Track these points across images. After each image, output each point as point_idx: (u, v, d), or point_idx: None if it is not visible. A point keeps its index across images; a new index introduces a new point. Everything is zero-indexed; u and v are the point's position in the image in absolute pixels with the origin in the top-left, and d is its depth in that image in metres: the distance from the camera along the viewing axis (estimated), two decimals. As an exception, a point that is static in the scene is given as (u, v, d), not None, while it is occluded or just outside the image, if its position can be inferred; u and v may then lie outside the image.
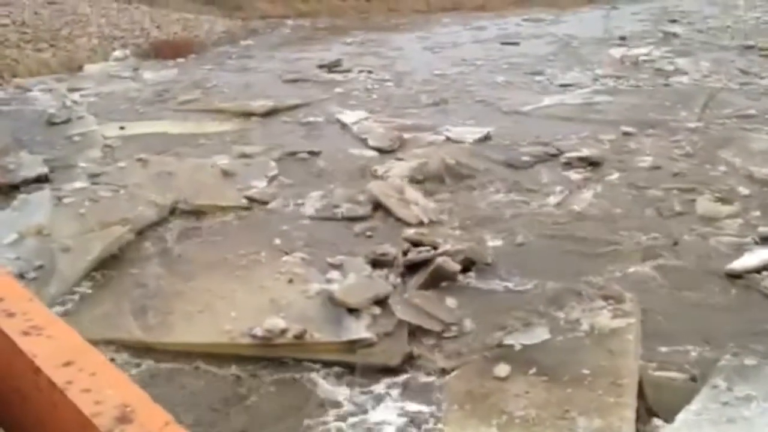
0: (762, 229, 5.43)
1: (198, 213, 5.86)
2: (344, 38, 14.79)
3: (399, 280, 4.65)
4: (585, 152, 7.01)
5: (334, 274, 4.68)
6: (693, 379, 3.70)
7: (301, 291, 4.49)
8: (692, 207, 5.83)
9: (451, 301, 4.50)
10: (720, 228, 5.49)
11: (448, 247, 5.08)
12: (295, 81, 10.90)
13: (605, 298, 4.44)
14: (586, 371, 3.72)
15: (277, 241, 5.29)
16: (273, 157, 7.16)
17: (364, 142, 7.61)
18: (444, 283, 4.69)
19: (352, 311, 4.24)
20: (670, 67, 11.25)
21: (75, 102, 9.36)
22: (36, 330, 0.85)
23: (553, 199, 6.17)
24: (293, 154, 7.25)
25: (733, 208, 5.83)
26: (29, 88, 10.41)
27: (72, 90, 10.03)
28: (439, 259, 4.84)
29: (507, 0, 19.11)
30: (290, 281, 4.60)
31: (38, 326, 0.86)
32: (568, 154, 6.96)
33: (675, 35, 14.09)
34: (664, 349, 4.05)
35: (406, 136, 7.71)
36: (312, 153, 7.25)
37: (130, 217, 5.44)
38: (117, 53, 12.86)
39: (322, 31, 15.99)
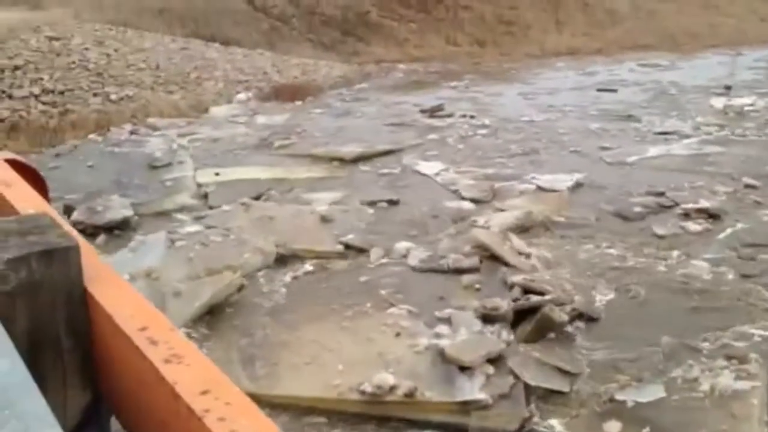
0: None
1: (301, 260, 6.06)
2: (450, 83, 15.27)
3: (512, 336, 4.62)
4: (703, 203, 6.91)
5: (442, 329, 4.68)
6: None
7: (409, 345, 4.49)
8: None
9: (561, 353, 4.42)
10: None
11: (557, 294, 5.08)
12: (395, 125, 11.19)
13: (728, 357, 4.28)
14: None
15: (383, 293, 5.35)
16: (357, 204, 7.36)
17: (453, 192, 7.78)
18: (551, 334, 4.70)
19: (464, 369, 4.16)
20: None
21: (181, 146, 9.95)
22: (177, 358, 0.89)
23: (670, 251, 6.00)
24: (376, 202, 7.48)
25: None
26: (159, 127, 11.37)
27: (184, 135, 10.74)
28: (546, 308, 4.82)
29: (625, 44, 18.42)
30: (398, 335, 4.62)
31: (179, 354, 0.89)
32: (684, 206, 6.89)
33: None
34: None
35: (497, 185, 7.83)
36: (393, 202, 7.55)
37: (238, 263, 5.72)
38: (240, 96, 13.70)
39: (433, 75, 16.55)
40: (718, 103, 11.90)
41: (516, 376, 4.10)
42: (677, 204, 6.85)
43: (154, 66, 13.72)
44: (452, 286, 5.45)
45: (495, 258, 5.77)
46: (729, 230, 6.31)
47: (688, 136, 9.78)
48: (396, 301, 5.13)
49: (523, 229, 6.32)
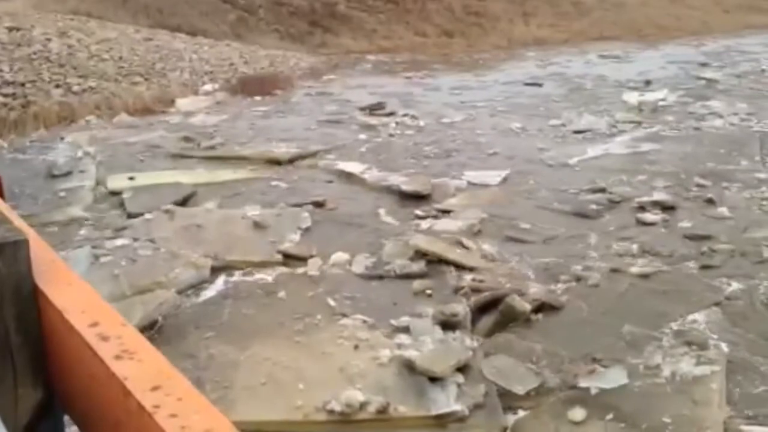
0: None
1: (238, 272, 5.66)
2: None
3: (475, 342, 4.52)
4: (656, 197, 7.01)
5: (403, 338, 4.51)
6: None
7: (371, 358, 4.27)
8: None
9: (522, 344, 4.43)
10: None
11: (513, 287, 5.05)
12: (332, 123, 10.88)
13: (688, 344, 4.37)
14: (666, 420, 3.67)
15: (332, 303, 5.10)
16: (291, 208, 6.99)
17: (388, 189, 7.53)
18: (513, 324, 4.70)
19: (434, 380, 4.00)
20: (703, 111, 11.10)
21: (87, 153, 9.10)
22: (128, 354, 0.86)
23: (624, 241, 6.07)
24: (311, 205, 7.09)
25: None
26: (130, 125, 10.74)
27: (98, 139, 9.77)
28: (508, 298, 4.79)
29: (592, 35, 18.23)
30: (356, 347, 4.40)
31: (130, 350, 0.87)
32: (638, 199, 6.92)
33: (708, 80, 13.81)
34: (754, 401, 3.92)
35: (434, 181, 7.66)
36: (320, 204, 7.12)
37: (168, 279, 5.32)
38: (206, 87, 13.46)
39: (402, 65, 16.46)
40: (632, 98, 12.10)
41: (488, 384, 4.03)
42: (629, 199, 6.98)
43: (118, 57, 13.51)
44: (403, 293, 5.29)
45: (442, 260, 5.69)
46: (684, 222, 6.47)
47: (605, 134, 9.91)
48: (348, 312, 4.92)
49: (471, 232, 6.21)
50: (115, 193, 7.42)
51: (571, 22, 20.90)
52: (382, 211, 6.87)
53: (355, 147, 9.41)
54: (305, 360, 4.24)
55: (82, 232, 6.41)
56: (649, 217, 6.53)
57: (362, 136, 9.97)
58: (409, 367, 4.07)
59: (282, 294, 5.28)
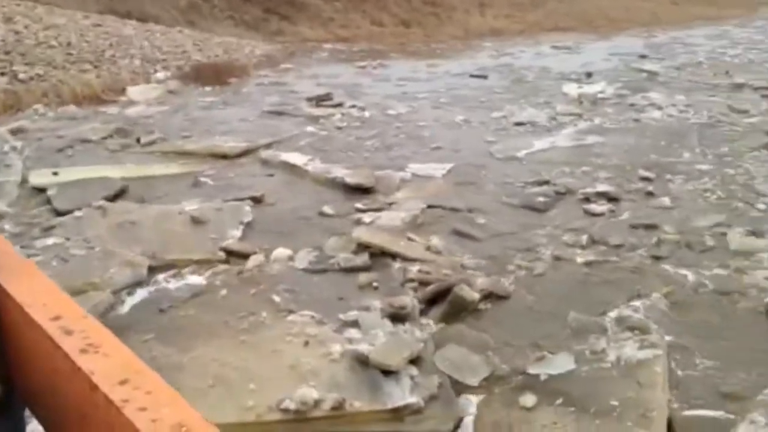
0: None
1: (177, 270, 5.44)
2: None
3: (425, 333, 4.55)
4: (600, 188, 7.16)
5: (353, 333, 4.48)
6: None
7: (322, 354, 4.21)
8: (724, 242, 5.95)
9: (473, 334, 4.49)
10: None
11: (459, 278, 5.06)
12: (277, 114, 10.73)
13: (631, 329, 4.51)
14: (614, 402, 3.79)
15: (277, 299, 5.01)
16: (231, 203, 6.77)
17: (332, 182, 7.44)
18: (462, 314, 4.74)
19: (388, 373, 3.98)
20: (643, 103, 11.31)
21: (14, 148, 8.62)
22: (93, 348, 0.84)
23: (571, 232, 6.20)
24: (252, 199, 6.91)
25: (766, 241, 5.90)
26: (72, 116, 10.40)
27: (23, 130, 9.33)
28: (456, 288, 4.82)
29: (546, 26, 18.43)
30: (306, 343, 4.33)
31: (95, 344, 0.85)
32: (582, 190, 7.09)
33: (648, 72, 14.12)
34: (696, 385, 4.11)
35: (378, 173, 7.63)
36: (257, 199, 6.93)
37: (102, 279, 5.09)
38: (158, 75, 13.26)
39: (359, 54, 16.48)
40: (572, 90, 12.26)
41: (441, 374, 4.07)
42: (576, 191, 7.11)
43: (66, 43, 13.27)
44: (348, 286, 5.26)
45: (387, 253, 5.68)
46: (630, 213, 6.62)
47: (547, 127, 9.97)
48: (294, 308, 4.85)
49: (413, 225, 6.22)
50: (41, 190, 7.12)
51: (526, 13, 21.18)
52: (324, 204, 6.81)
53: (300, 139, 9.35)
54: (254, 359, 4.17)
55: (7, 228, 6.15)
56: (595, 208, 6.70)
57: (308, 128, 9.92)
58: (362, 361, 4.07)
59: (224, 292, 5.15)
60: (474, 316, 4.83)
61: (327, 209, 6.67)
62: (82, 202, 6.49)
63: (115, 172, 7.66)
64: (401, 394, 3.79)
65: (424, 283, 5.09)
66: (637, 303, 4.91)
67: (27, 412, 1.02)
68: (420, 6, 20.41)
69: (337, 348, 4.20)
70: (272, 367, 4.05)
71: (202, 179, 7.50)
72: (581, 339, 4.39)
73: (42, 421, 0.96)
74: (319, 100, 11.42)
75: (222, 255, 5.67)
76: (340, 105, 11.21)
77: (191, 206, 6.53)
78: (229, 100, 11.84)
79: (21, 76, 11.49)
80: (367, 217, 6.43)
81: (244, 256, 5.66)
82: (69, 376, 0.84)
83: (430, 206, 6.72)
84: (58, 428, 0.91)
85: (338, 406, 3.65)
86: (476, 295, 4.87)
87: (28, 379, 0.98)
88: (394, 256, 5.64)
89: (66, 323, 0.89)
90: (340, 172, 7.64)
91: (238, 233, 6.09)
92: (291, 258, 5.66)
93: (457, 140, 9.19)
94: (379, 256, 5.64)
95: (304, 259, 5.64)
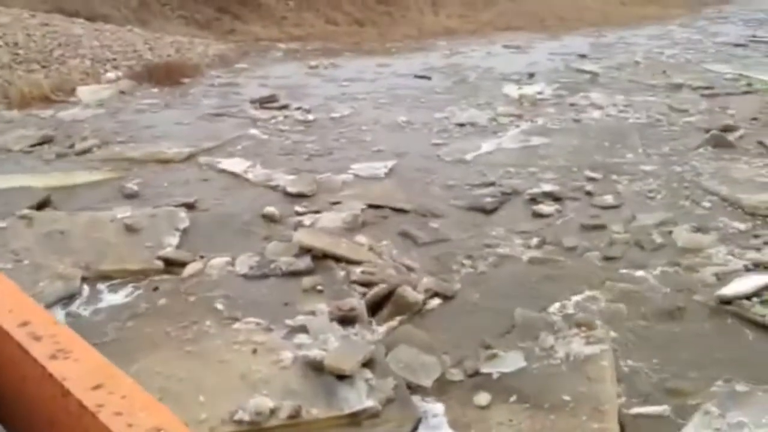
0: (752, 256, 5.70)
1: (112, 282, 5.27)
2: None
3: (376, 336, 4.54)
4: (547, 188, 7.25)
5: (302, 338, 4.44)
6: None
7: (272, 362, 4.15)
8: (671, 239, 6.11)
9: (421, 335, 4.53)
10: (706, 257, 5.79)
11: (403, 279, 5.12)
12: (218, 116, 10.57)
13: (577, 325, 4.62)
14: (566, 398, 3.90)
15: (219, 307, 4.93)
16: (165, 209, 6.57)
17: (273, 189, 7.34)
18: (409, 315, 4.78)
19: (342, 378, 3.96)
20: (583, 103, 11.41)
21: None
22: (63, 353, 0.84)
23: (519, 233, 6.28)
24: (188, 205, 6.73)
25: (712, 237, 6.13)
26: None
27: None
28: (400, 289, 4.87)
29: (499, 25, 18.56)
30: (254, 351, 4.27)
31: (65, 349, 0.85)
32: (530, 191, 7.17)
33: (587, 72, 14.19)
34: (646, 381, 4.17)
35: (318, 177, 7.61)
36: (190, 205, 6.75)
37: (32, 294, 4.40)
38: (109, 75, 13.14)
39: (314, 53, 16.44)
40: (512, 91, 12.34)
41: (396, 376, 4.08)
42: (524, 192, 7.17)
43: (13, 43, 13.16)
44: (292, 291, 5.23)
45: (329, 255, 5.68)
46: (578, 214, 6.72)
47: (487, 128, 9.97)
48: (239, 315, 4.80)
49: (354, 226, 6.22)
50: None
51: (479, 13, 21.43)
52: (263, 208, 6.70)
53: (241, 143, 9.22)
54: (201, 370, 4.11)
55: None
56: (543, 209, 6.82)
57: (251, 131, 9.78)
58: (314, 367, 4.06)
59: (163, 301, 5.02)
60: (420, 316, 4.90)
61: (266, 213, 6.59)
62: (5, 212, 6.24)
63: (41, 180, 7.36)
64: (358, 398, 3.80)
65: (367, 285, 5.12)
66: (578, 298, 5.05)
67: None
68: (374, 5, 20.45)
69: (287, 354, 4.17)
70: (221, 377, 3.99)
71: (133, 186, 7.29)
72: (529, 336, 4.50)
73: (8, 429, 0.95)
74: (264, 102, 11.28)
75: (159, 264, 5.52)
76: (285, 107, 11.10)
77: (123, 213, 6.33)
78: (172, 102, 11.67)
79: (-36, 75, 11.41)
80: (307, 219, 6.41)
81: (182, 264, 5.53)
82: (39, 382, 0.83)
83: (372, 207, 6.74)
84: None
85: (295, 414, 3.61)
86: (420, 297, 4.93)
87: None
88: (336, 258, 5.64)
89: (34, 329, 0.88)
90: (281, 179, 7.57)
91: (174, 240, 5.95)
92: (231, 264, 5.58)
93: (402, 143, 9.23)
94: (321, 258, 5.64)
95: (244, 264, 5.57)
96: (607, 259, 5.77)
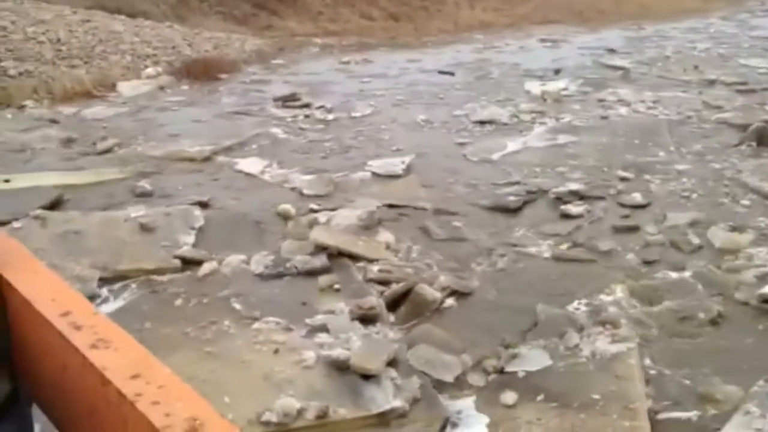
0: None
1: (129, 282, 5.25)
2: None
3: (399, 334, 4.52)
4: (575, 188, 7.09)
5: (323, 338, 4.40)
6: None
7: (294, 362, 4.11)
8: (707, 240, 6.00)
9: (440, 333, 4.49)
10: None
11: (420, 277, 5.08)
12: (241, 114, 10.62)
13: (601, 323, 4.59)
14: (596, 396, 3.87)
15: (237, 306, 4.91)
16: (180, 207, 6.54)
17: (291, 190, 7.26)
18: (427, 314, 4.73)
19: (367, 378, 3.92)
20: (611, 99, 11.14)
21: None
22: (103, 343, 0.86)
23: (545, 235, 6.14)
24: (203, 204, 6.67)
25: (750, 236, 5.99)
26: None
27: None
28: (417, 287, 4.82)
29: (535, 19, 18.27)
30: (276, 351, 4.23)
31: (105, 339, 0.87)
32: (556, 190, 7.02)
33: (615, 67, 13.77)
34: (679, 384, 4.08)
35: (335, 177, 7.53)
36: (204, 204, 6.67)
37: None
38: (149, 70, 13.40)
39: (350, 48, 16.58)
40: (534, 87, 12.09)
41: (421, 376, 4.03)
42: (551, 193, 6.99)
43: (56, 39, 13.52)
44: (309, 290, 5.22)
45: (344, 254, 5.66)
46: (611, 215, 6.54)
47: (511, 126, 9.73)
48: (257, 314, 4.79)
49: (370, 223, 6.13)
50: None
51: (515, 6, 21.29)
52: (278, 206, 6.67)
53: (259, 142, 9.18)
54: (223, 371, 4.14)
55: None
56: (572, 209, 6.69)
57: (271, 130, 9.73)
58: (338, 367, 4.05)
59: (179, 302, 5.01)
60: (439, 314, 4.91)
61: (281, 210, 6.56)
62: (17, 212, 6.20)
63: (60, 179, 7.35)
64: (385, 398, 3.78)
65: (385, 283, 5.14)
66: (602, 296, 5.01)
67: (35, 411, 1.04)
68: (409, 0, 20.16)
69: (309, 354, 4.17)
70: (244, 378, 3.98)
71: (146, 185, 7.24)
72: (553, 335, 4.48)
73: (52, 418, 0.97)
74: (286, 100, 11.27)
75: (176, 263, 5.52)
76: (307, 106, 11.03)
77: (137, 212, 6.32)
78: (198, 99, 11.79)
79: (11, 72, 11.72)
80: (322, 217, 6.37)
81: (200, 263, 5.53)
82: (79, 371, 0.85)
83: (391, 206, 6.72)
84: (69, 424, 0.92)
85: (323, 415, 3.58)
86: (438, 295, 4.95)
87: (36, 376, 0.98)
88: (352, 256, 5.63)
89: (75, 318, 0.90)
90: (297, 178, 7.57)
91: (191, 239, 5.95)
92: (246, 263, 5.58)
93: (423, 142, 9.09)
94: (337, 257, 5.63)
95: (259, 263, 5.55)
96: (645, 262, 5.63)
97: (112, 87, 12.24)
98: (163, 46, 14.69)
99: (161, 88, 12.43)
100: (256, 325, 4.53)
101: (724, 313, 4.82)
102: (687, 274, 5.38)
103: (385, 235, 5.95)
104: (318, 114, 10.50)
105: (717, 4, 23.70)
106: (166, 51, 14.46)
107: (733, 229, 6.07)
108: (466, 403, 3.90)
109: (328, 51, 16.59)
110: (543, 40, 17.38)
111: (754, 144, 8.37)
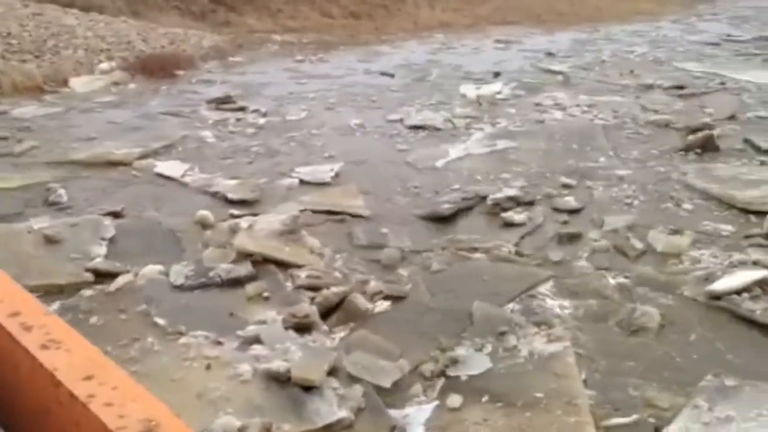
0: (739, 257, 5.62)
1: (37, 296, 4.49)
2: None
3: (335, 342, 4.40)
4: (516, 194, 6.99)
5: (258, 349, 4.22)
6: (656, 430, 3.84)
7: (230, 376, 3.93)
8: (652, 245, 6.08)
9: (376, 339, 4.43)
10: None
11: (352, 283, 5.00)
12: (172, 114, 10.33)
13: (536, 324, 4.68)
14: (539, 395, 3.95)
15: (160, 321, 4.64)
16: (89, 217, 6.21)
17: (213, 195, 6.97)
18: (361, 320, 4.62)
19: (308, 389, 3.80)
20: (546, 103, 11.05)
21: None
22: (54, 344, 0.84)
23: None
24: (115, 213, 6.32)
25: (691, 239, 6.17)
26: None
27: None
28: (350, 297, 4.74)
29: (494, 20, 18.35)
30: (208, 367, 4.04)
31: (56, 340, 0.85)
32: (493, 196, 6.90)
33: (554, 72, 13.78)
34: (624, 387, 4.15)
35: (262, 183, 7.33)
36: (117, 214, 6.32)
37: None
38: (103, 66, 13.35)
39: (310, 46, 16.48)
40: (470, 91, 11.91)
41: (363, 384, 3.98)
42: (493, 200, 6.83)
43: (6, 33, 13.69)
44: (236, 300, 5.02)
45: (271, 260, 5.53)
46: (552, 222, 6.50)
47: (446, 131, 9.54)
48: (183, 329, 4.57)
49: (294, 228, 5.93)
50: None
51: (475, 6, 21.18)
52: (197, 212, 6.40)
53: (185, 145, 8.86)
54: (153, 391, 3.72)
55: None
56: (514, 217, 6.66)
57: (199, 133, 9.36)
58: (277, 379, 3.95)
59: (95, 319, 4.69)
60: (374, 319, 4.83)
61: (200, 217, 6.29)
62: None
63: None
64: (329, 409, 3.72)
65: (314, 289, 5.05)
66: (535, 299, 5.08)
67: None
68: (369, -1, 20.21)
69: (245, 368, 4.05)
70: (177, 397, 3.79)
71: (60, 191, 6.80)
72: (491, 337, 4.53)
73: (4, 420, 0.94)
74: (220, 102, 10.95)
75: (89, 276, 5.21)
76: (242, 109, 10.64)
77: (41, 224, 5.94)
78: (126, 100, 11.33)
79: (-40, 66, 12.33)
80: (244, 223, 6.15)
81: (114, 276, 5.23)
82: (30, 372, 0.82)
83: (319, 212, 6.60)
84: (19, 426, 0.89)
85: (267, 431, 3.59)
86: (369, 304, 4.90)
87: None
88: (278, 263, 5.49)
89: (25, 319, 0.88)
90: (222, 184, 7.30)
91: (102, 250, 5.65)
92: (164, 274, 5.33)
93: (360, 148, 8.88)
94: (263, 263, 5.50)
95: (180, 274, 5.30)
96: (586, 263, 5.72)
97: (64, 83, 12.18)
98: (117, 41, 14.88)
99: (115, 83, 12.45)
100: (182, 340, 4.30)
101: (670, 314, 4.90)
102: (630, 277, 5.46)
103: (311, 241, 5.80)
104: (250, 118, 10.19)
105: (670, 8, 24.22)
106: (120, 46, 14.62)
107: (674, 232, 6.18)
108: (411, 409, 3.87)
109: (287, 49, 16.80)
110: (498, 41, 17.80)
111: (699, 151, 8.46)
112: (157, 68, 13.26)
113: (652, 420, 3.83)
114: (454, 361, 4.25)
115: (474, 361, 4.28)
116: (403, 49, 16.64)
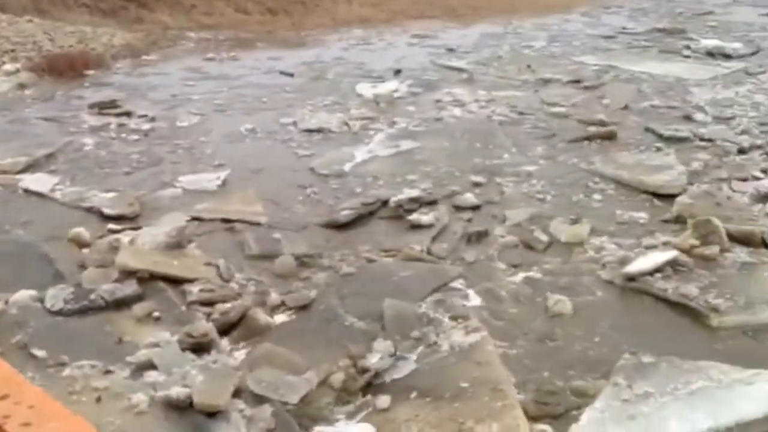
0: (649, 241, 5.76)
1: None
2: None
3: (237, 360, 4.11)
4: (414, 194, 6.81)
5: (153, 376, 3.93)
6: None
7: (124, 408, 3.58)
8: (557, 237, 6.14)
9: (282, 352, 4.24)
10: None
11: (251, 297, 4.75)
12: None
13: (453, 318, 4.68)
14: (464, 384, 3.99)
15: (39, 353, 4.22)
16: None
17: (87, 211, 6.48)
18: (262, 334, 4.40)
19: (212, 414, 3.54)
20: (445, 100, 10.73)
21: None
22: None
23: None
24: None
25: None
26: None
27: None
28: (251, 311, 4.51)
29: (412, 14, 18.28)
30: (98, 400, 3.68)
31: None
32: (394, 198, 6.70)
33: (452, 68, 13.42)
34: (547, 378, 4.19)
35: (141, 195, 6.90)
36: None
37: None
38: (7, 66, 12.75)
39: (226, 43, 15.80)
40: (366, 90, 11.48)
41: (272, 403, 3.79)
42: (399, 203, 6.63)
43: None
44: (123, 322, 4.70)
45: (158, 276, 5.20)
46: (464, 222, 6.37)
47: (346, 134, 9.10)
48: (66, 359, 4.21)
49: (180, 239, 5.65)
50: None
51: (392, 1, 20.94)
52: (70, 229, 5.95)
53: (57, 156, 8.05)
54: None
55: None
56: (422, 219, 6.51)
57: (77, 141, 8.64)
58: (178, 407, 3.68)
59: None
60: (278, 331, 4.64)
61: (74, 235, 5.82)
62: None
63: None
64: None
65: (209, 304, 4.79)
66: (445, 293, 5.08)
67: None
68: (287, -7, 19.80)
69: (140, 397, 3.74)
70: (67, 438, 3.45)
71: None
72: (410, 335, 4.51)
73: None
74: (102, 107, 10.13)
75: None
76: (127, 114, 9.84)
77: None
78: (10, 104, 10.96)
79: None
80: (125, 237, 5.81)
81: None
82: None
83: (199, 219, 6.28)
84: None
85: (170, 465, 3.73)
86: (271, 319, 4.72)
87: None
88: (166, 278, 5.17)
89: None
90: (99, 198, 6.81)
91: None
92: (39, 300, 4.88)
93: (255, 153, 8.42)
94: (150, 280, 5.17)
95: (57, 298, 4.86)
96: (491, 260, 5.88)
97: (-33, 84, 12.09)
98: (22, 40, 14.53)
99: (22, 85, 11.84)
100: (67, 372, 3.93)
101: (584, 301, 4.99)
102: (539, 269, 5.56)
103: (199, 253, 5.50)
104: (133, 124, 9.41)
105: (582, 0, 24.59)
106: (25, 46, 14.27)
107: (574, 222, 6.27)
108: (340, 419, 3.75)
109: (203, 46, 16.56)
110: (415, 36, 17.80)
111: (599, 141, 8.56)
112: (66, 68, 12.83)
113: (577, 401, 3.92)
114: (366, 371, 4.04)
115: (398, 366, 4.07)
116: (320, 45, 16.36)
